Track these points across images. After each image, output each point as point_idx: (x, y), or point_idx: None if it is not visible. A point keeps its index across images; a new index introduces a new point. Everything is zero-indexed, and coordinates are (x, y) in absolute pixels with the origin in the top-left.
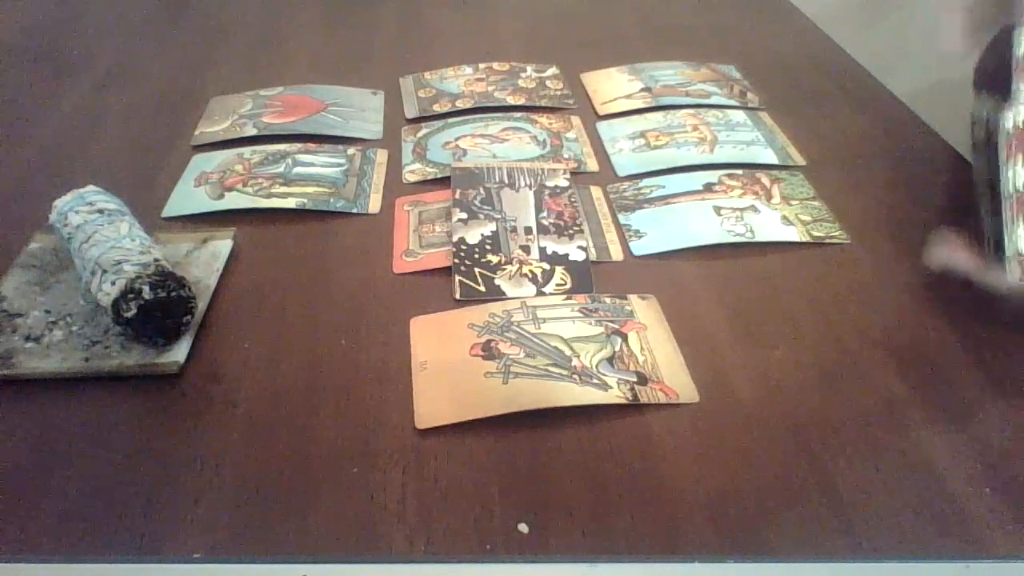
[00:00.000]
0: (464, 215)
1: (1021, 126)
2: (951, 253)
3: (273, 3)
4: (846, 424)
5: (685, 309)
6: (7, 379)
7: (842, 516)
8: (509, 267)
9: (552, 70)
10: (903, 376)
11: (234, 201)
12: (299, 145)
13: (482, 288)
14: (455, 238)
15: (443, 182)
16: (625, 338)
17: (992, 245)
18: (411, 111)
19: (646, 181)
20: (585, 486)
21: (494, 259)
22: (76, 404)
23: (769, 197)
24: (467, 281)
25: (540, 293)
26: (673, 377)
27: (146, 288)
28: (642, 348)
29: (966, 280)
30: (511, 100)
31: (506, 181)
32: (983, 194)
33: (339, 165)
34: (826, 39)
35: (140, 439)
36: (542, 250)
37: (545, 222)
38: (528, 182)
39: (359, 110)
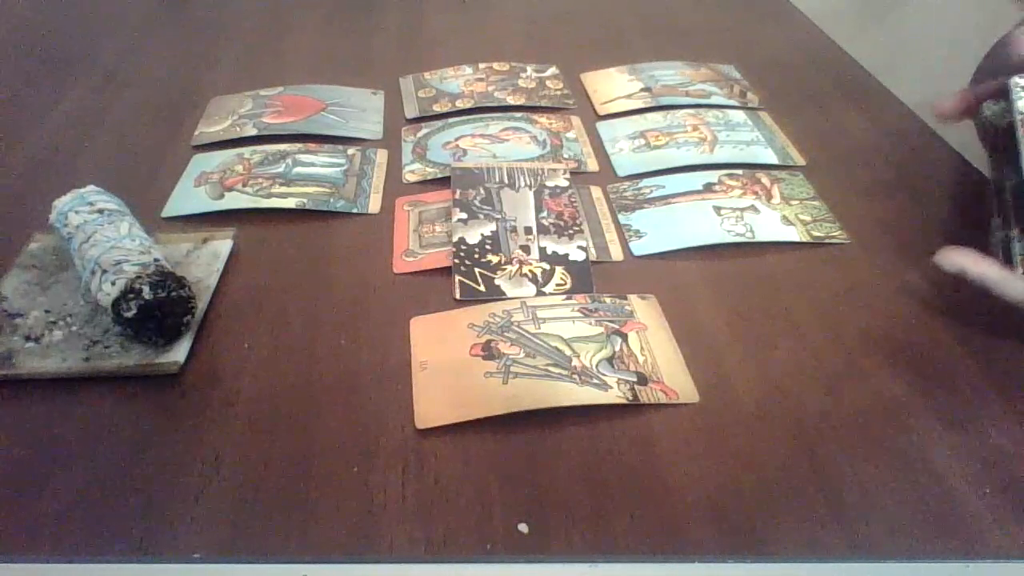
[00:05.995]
0: (464, 215)
1: None
2: (965, 260)
3: (273, 3)
4: (846, 424)
5: (685, 309)
6: (7, 379)
7: (842, 516)
8: (509, 267)
9: (552, 70)
10: (903, 376)
11: (234, 201)
12: (299, 145)
13: (482, 288)
14: (455, 238)
15: (443, 182)
16: (625, 338)
17: (1002, 252)
18: (411, 111)
19: (646, 181)
20: (585, 486)
21: (494, 259)
22: (76, 404)
23: (769, 197)
24: (467, 281)
25: (540, 293)
26: (673, 377)
27: (146, 288)
28: (642, 348)
29: (981, 290)
30: (511, 100)
31: (506, 181)
32: (1003, 202)
33: (339, 165)
34: (826, 39)
35: (140, 439)
36: (542, 250)
37: (545, 222)
38: (528, 182)
39: (359, 110)
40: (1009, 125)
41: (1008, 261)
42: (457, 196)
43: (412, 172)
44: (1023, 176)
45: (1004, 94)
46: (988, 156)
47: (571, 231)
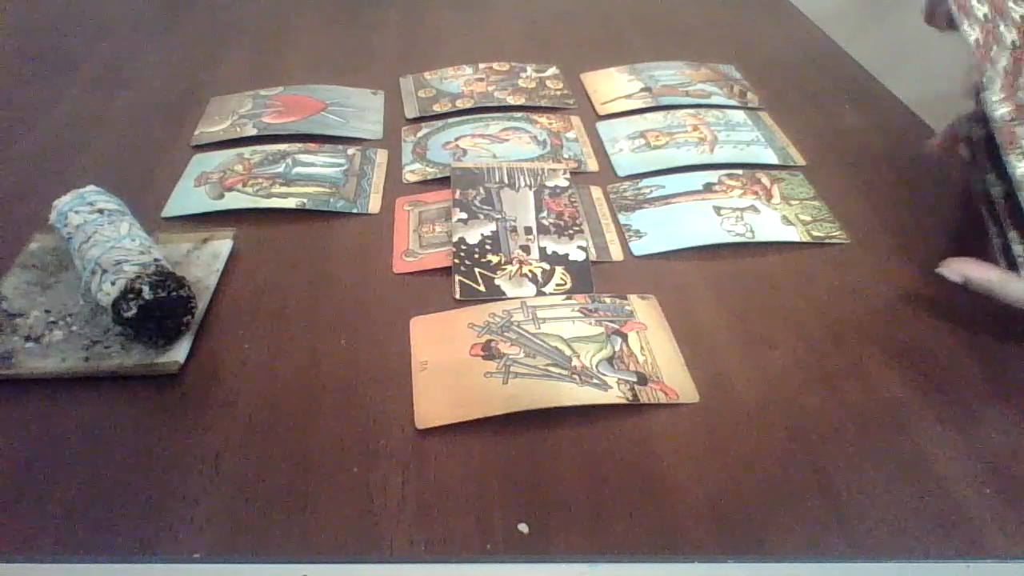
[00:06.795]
0: (464, 215)
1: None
2: (967, 268)
3: (273, 3)
4: (846, 424)
5: (685, 309)
6: (7, 379)
7: (842, 516)
8: (509, 267)
9: (552, 70)
10: (903, 376)
11: (234, 201)
12: (299, 145)
13: (482, 288)
14: (455, 238)
15: (443, 182)
16: (625, 338)
17: (1004, 257)
18: (411, 111)
19: (646, 181)
20: (585, 486)
21: (494, 259)
22: (76, 404)
23: (769, 197)
24: (467, 281)
25: (540, 293)
26: (673, 377)
27: (146, 288)
28: (642, 348)
29: (986, 296)
30: (511, 100)
31: (506, 181)
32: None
33: (339, 165)
34: (826, 39)
35: (140, 439)
36: (542, 250)
37: (545, 222)
38: (528, 182)
39: (359, 110)
40: (979, 138)
41: (1011, 265)
42: (457, 196)
43: (412, 172)
44: (1011, 181)
45: (979, 116)
46: (969, 169)
47: (571, 231)
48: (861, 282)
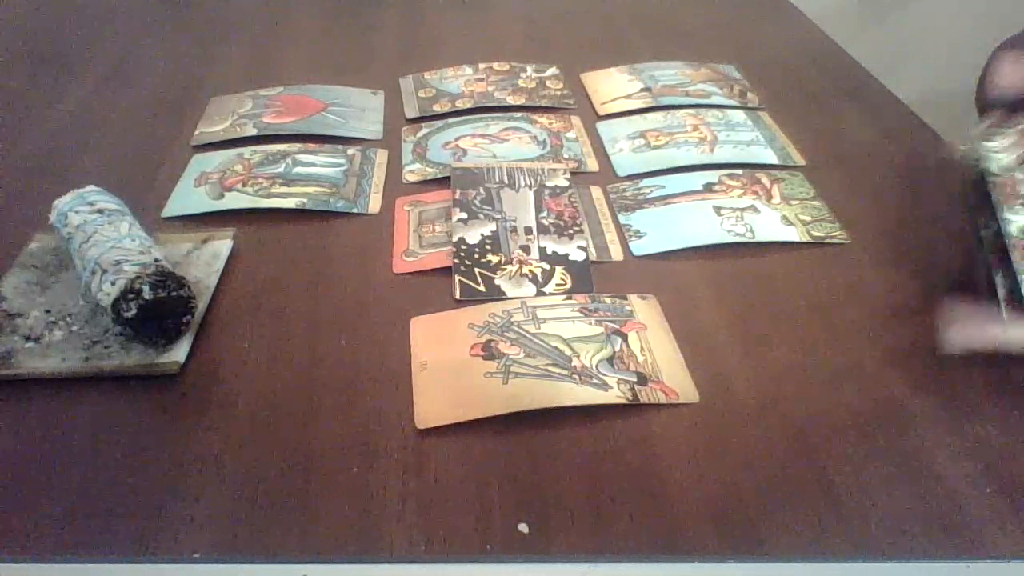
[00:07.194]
0: (464, 215)
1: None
2: (966, 328)
3: (273, 3)
4: (846, 424)
5: (685, 309)
6: (7, 379)
7: (842, 516)
8: (509, 267)
9: (552, 70)
10: (903, 376)
11: (234, 201)
12: (299, 145)
13: (482, 288)
14: (455, 238)
15: (443, 182)
16: (625, 338)
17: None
18: (411, 111)
19: (646, 181)
20: (585, 486)
21: (494, 259)
22: (76, 404)
23: (769, 197)
24: (467, 281)
25: (540, 293)
26: (673, 377)
27: (146, 288)
28: (642, 348)
29: (992, 349)
30: (511, 100)
31: (506, 181)
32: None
33: (339, 165)
34: (826, 39)
35: (140, 439)
36: (542, 250)
37: (545, 222)
38: (528, 182)
39: (359, 110)
40: (969, 181)
41: (1016, 303)
42: (457, 196)
43: (412, 172)
44: (999, 225)
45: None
46: (969, 213)
47: (571, 231)
48: (861, 282)
